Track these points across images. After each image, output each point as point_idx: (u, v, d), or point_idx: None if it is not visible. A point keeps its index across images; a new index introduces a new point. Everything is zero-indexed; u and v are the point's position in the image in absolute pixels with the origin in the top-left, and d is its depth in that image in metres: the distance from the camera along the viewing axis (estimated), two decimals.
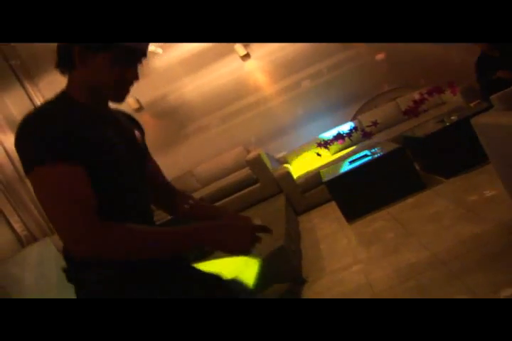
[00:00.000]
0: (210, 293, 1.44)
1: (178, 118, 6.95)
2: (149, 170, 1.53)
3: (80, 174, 1.17)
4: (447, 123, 4.47)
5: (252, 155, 6.19)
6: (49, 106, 1.27)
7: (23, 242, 5.56)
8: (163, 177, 1.63)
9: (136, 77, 1.33)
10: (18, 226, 5.62)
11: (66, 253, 1.28)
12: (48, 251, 3.02)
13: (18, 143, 1.18)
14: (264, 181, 6.02)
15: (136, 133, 1.48)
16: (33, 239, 5.69)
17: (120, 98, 1.34)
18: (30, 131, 1.17)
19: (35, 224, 5.84)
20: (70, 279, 1.29)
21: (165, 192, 1.61)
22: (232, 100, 6.81)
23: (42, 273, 2.83)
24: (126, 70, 1.30)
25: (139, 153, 1.45)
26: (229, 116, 6.88)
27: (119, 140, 1.33)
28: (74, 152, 1.16)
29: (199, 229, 1.24)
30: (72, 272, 1.28)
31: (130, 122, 1.51)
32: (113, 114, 1.43)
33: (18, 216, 5.70)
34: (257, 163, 6.03)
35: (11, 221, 5.59)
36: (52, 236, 4.79)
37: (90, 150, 1.20)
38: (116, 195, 1.30)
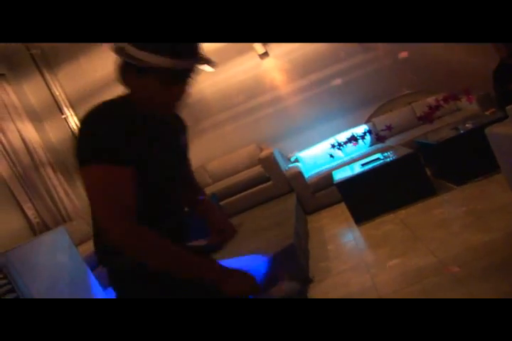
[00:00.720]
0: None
1: (194, 114, 6.98)
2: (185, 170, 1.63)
3: (127, 177, 1.26)
4: (461, 131, 4.49)
5: (264, 153, 6.24)
6: (112, 106, 1.34)
7: (35, 229, 5.64)
8: (193, 177, 1.73)
9: (184, 94, 1.39)
10: (31, 213, 5.70)
11: (97, 241, 1.41)
12: (62, 240, 3.08)
13: (78, 138, 1.27)
14: (276, 180, 6.07)
15: (183, 137, 1.57)
16: (44, 227, 5.77)
17: (168, 114, 1.45)
18: (90, 129, 1.27)
19: (47, 213, 5.93)
20: (100, 263, 1.41)
21: (191, 191, 1.70)
22: (249, 98, 6.84)
23: (56, 261, 2.89)
24: (174, 88, 1.35)
25: (182, 158, 1.55)
26: (244, 113, 6.91)
27: (168, 146, 1.44)
28: (125, 155, 1.25)
29: (212, 268, 1.34)
30: (104, 256, 1.40)
31: (178, 123, 1.60)
32: (168, 118, 1.52)
33: (32, 203, 5.78)
34: (269, 162, 6.08)
35: (25, 208, 5.67)
36: (66, 226, 4.86)
37: (139, 155, 1.29)
38: (156, 198, 1.39)
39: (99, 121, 1.27)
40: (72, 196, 6.44)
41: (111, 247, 1.33)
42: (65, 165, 6.65)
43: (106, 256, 1.39)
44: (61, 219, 6.09)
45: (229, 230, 1.74)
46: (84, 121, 1.28)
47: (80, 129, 1.28)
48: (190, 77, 1.37)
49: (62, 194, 6.28)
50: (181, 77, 1.35)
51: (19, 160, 5.81)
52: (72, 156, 1.28)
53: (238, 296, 1.33)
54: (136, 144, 1.28)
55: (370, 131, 6.15)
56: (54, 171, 6.31)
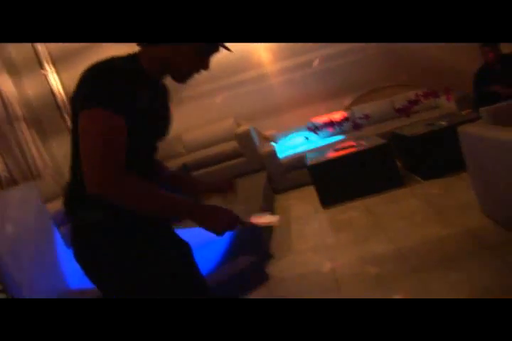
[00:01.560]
0: (180, 255, 1.57)
1: (174, 82, 6.92)
2: None
3: (123, 128, 1.30)
4: (435, 127, 4.59)
5: (241, 129, 6.26)
6: (120, 62, 1.39)
7: (2, 183, 5.60)
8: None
9: (206, 67, 1.48)
10: None
11: (69, 190, 1.44)
12: (31, 195, 3.09)
13: (85, 84, 1.31)
14: (249, 156, 6.11)
15: (170, 109, 1.64)
16: (12, 181, 5.73)
17: (184, 81, 1.52)
18: (100, 79, 1.30)
19: (17, 168, 5.88)
20: (69, 212, 1.44)
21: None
22: (232, 72, 6.78)
23: (24, 215, 2.91)
24: (203, 60, 1.46)
25: (164, 128, 1.60)
26: (226, 87, 6.87)
27: (157, 112, 1.50)
28: (126, 108, 1.30)
29: (193, 206, 1.39)
30: (72, 206, 1.43)
31: (166, 93, 1.64)
32: (162, 86, 1.58)
33: (2, 157, 5.72)
34: (245, 138, 6.11)
35: None
36: (36, 182, 4.84)
37: (134, 113, 1.33)
38: (130, 157, 1.40)
39: (109, 72, 1.31)
40: (43, 153, 6.39)
41: (81, 199, 1.37)
42: (40, 122, 6.58)
43: (74, 208, 1.42)
44: (30, 175, 6.05)
45: (224, 184, 1.77)
46: (94, 70, 1.32)
47: (89, 76, 1.31)
48: (214, 53, 1.47)
49: (33, 150, 6.22)
50: (211, 51, 1.45)
51: None
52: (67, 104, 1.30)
53: (221, 231, 1.40)
54: (133, 100, 1.32)
55: (347, 118, 6.22)
56: (28, 127, 6.24)
